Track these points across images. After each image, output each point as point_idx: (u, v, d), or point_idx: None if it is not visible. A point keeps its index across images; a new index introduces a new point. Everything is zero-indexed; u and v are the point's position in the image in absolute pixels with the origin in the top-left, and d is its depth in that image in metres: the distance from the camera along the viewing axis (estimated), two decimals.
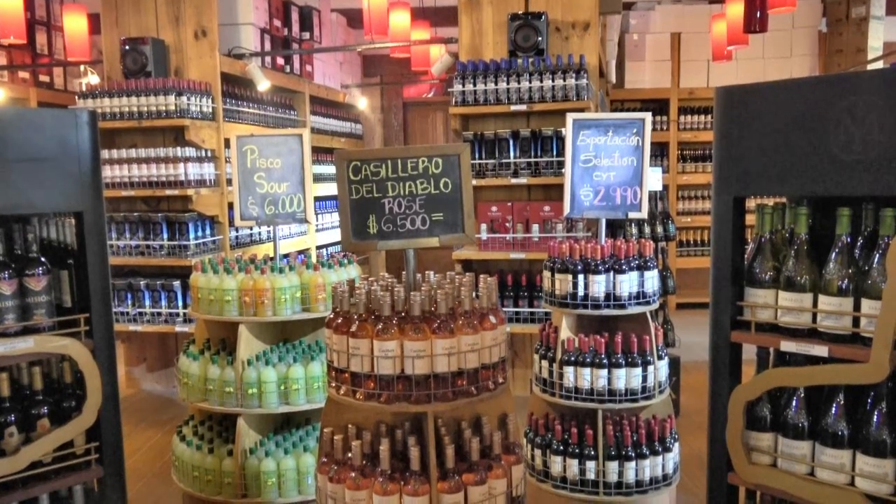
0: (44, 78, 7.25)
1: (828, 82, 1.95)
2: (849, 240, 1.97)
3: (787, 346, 2.03)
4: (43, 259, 2.36)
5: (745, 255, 2.23)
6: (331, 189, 7.26)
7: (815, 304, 2.00)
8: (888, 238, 1.87)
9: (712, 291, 2.21)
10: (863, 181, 1.86)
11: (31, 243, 2.34)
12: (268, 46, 6.12)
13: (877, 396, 1.93)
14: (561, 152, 4.77)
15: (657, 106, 8.25)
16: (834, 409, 1.99)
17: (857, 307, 1.93)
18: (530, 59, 4.90)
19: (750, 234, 2.23)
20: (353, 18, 8.12)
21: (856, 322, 1.93)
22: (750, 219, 2.20)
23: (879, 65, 7.31)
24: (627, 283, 3.22)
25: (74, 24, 6.09)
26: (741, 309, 2.16)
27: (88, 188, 2.37)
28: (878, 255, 1.89)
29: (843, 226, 1.97)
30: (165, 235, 5.06)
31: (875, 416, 1.91)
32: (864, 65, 7.29)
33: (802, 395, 2.07)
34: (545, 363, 3.33)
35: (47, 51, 7.22)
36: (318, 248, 6.99)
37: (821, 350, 1.96)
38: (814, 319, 2.01)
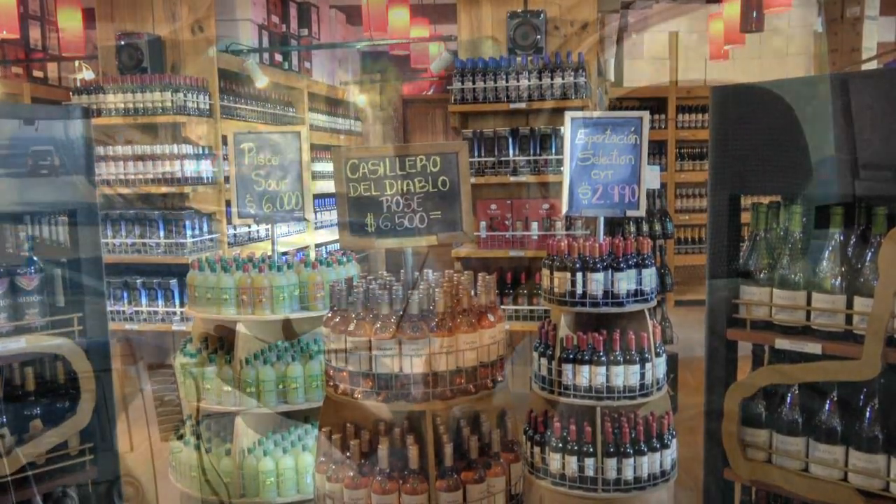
0: (38, 73, 7.21)
1: (821, 82, 1.96)
2: (842, 238, 1.99)
3: (782, 343, 2.04)
4: (35, 258, 2.34)
5: (741, 253, 2.24)
6: (330, 186, 7.23)
7: (808, 301, 2.01)
8: (880, 236, 1.88)
9: (708, 289, 2.22)
10: (855, 180, 1.87)
11: (22, 241, 2.33)
12: (266, 43, 6.11)
13: (869, 393, 1.94)
14: (560, 150, 4.77)
15: (655, 104, 8.25)
16: (827, 405, 2.00)
17: (849, 305, 1.94)
18: (529, 58, 4.90)
19: (746, 233, 2.24)
20: (352, 15, 8.11)
21: (848, 319, 1.94)
22: (745, 217, 2.21)
23: (873, 65, 7.32)
24: (626, 281, 3.23)
25: (69, 18, 6.07)
26: (737, 307, 2.17)
27: (81, 186, 2.35)
28: (870, 254, 1.91)
29: (836, 224, 1.98)
30: (162, 233, 5.05)
31: (867, 413, 1.93)
32: (859, 64, 7.29)
33: (797, 391, 2.08)
34: (544, 361, 3.34)
35: (41, 46, 7.17)
36: (317, 245, 6.99)
37: (814, 347, 1.97)
38: (808, 317, 2.02)
